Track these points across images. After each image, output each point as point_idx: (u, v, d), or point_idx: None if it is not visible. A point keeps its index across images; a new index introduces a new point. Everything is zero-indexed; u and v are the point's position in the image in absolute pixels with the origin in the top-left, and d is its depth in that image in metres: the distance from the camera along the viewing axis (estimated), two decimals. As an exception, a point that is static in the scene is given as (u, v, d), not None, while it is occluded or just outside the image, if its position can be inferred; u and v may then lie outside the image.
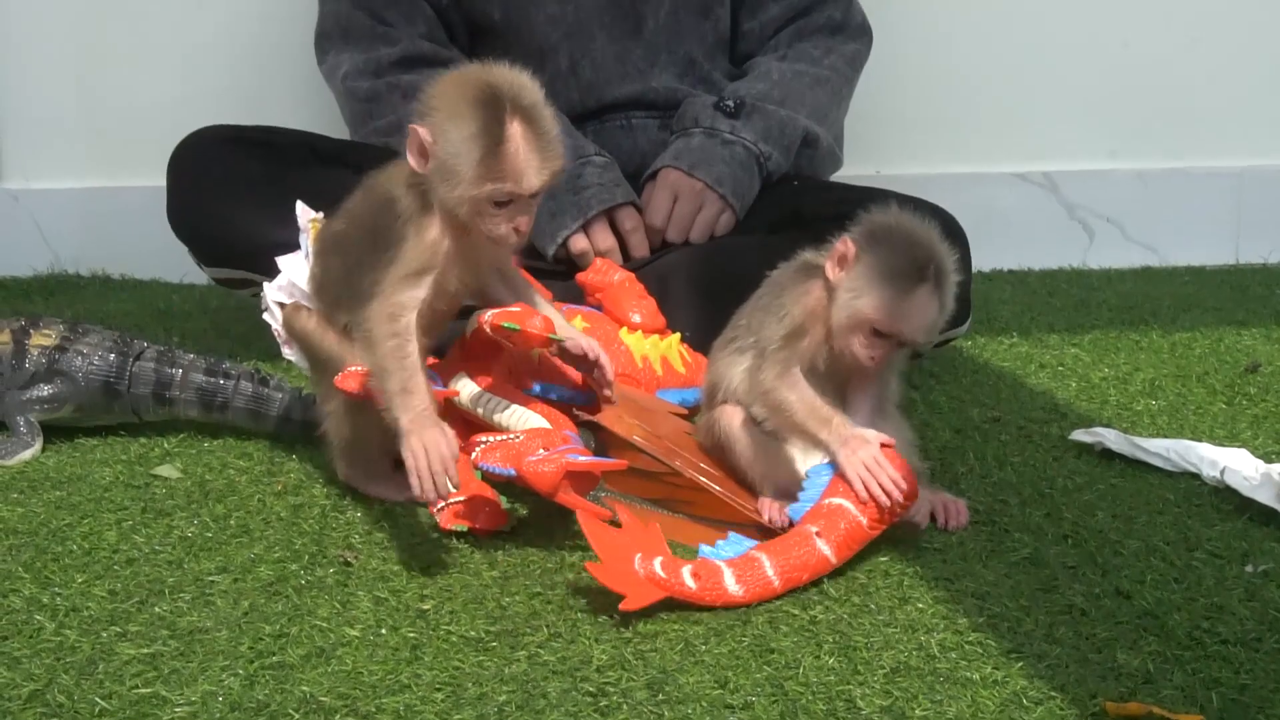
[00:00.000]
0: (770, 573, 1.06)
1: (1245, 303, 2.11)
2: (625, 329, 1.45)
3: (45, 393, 1.40)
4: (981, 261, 2.21)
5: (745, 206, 1.76)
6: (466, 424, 1.25)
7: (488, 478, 1.18)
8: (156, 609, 1.04)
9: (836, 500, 1.11)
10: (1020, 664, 0.95)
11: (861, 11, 1.94)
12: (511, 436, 1.17)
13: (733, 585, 1.05)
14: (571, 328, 1.29)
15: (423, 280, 1.17)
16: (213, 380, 1.42)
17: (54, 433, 1.42)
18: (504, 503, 1.19)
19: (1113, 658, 0.96)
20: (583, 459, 1.13)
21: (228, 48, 2.26)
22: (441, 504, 1.19)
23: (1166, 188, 2.45)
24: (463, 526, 1.17)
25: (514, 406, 1.23)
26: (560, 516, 1.21)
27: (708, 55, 1.89)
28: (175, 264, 2.12)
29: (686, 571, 1.05)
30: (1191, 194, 2.46)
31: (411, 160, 1.20)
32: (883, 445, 1.13)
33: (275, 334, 1.34)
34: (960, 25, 2.39)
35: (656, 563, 1.05)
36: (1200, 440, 1.38)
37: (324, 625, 1.01)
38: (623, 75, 1.85)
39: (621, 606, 1.02)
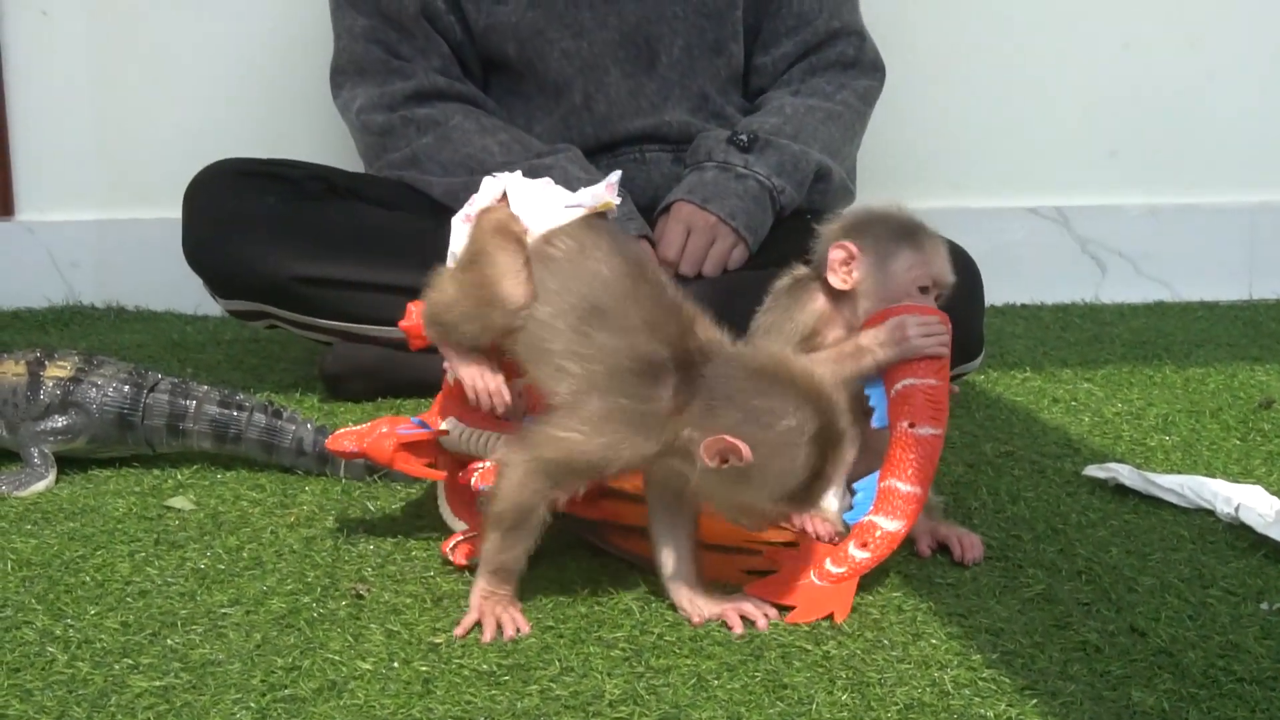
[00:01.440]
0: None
1: (1259, 339, 2.11)
2: None
3: (59, 424, 1.40)
4: (994, 296, 2.22)
5: (758, 240, 1.76)
6: (458, 463, 1.26)
7: None
8: (169, 641, 1.04)
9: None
10: (1034, 701, 0.95)
11: (874, 48, 1.95)
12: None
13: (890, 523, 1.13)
14: None
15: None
16: (226, 412, 1.43)
17: (68, 464, 1.43)
18: None
19: (1128, 695, 0.96)
20: None
21: (243, 81, 2.28)
22: (452, 542, 1.19)
23: (1179, 223, 2.45)
24: (477, 560, 1.17)
25: (502, 436, 1.24)
26: (571, 550, 1.21)
27: (721, 90, 1.90)
28: (189, 296, 2.14)
29: (854, 547, 1.11)
30: (1204, 229, 2.46)
31: (712, 457, 1.01)
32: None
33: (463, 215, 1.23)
34: (973, 61, 2.39)
35: (828, 564, 1.10)
36: (1214, 476, 1.38)
37: (336, 658, 1.01)
38: (636, 110, 1.86)
39: (792, 618, 1.07)
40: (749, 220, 1.74)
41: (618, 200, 1.15)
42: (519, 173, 1.22)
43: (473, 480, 1.21)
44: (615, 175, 1.17)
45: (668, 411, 1.02)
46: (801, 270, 1.26)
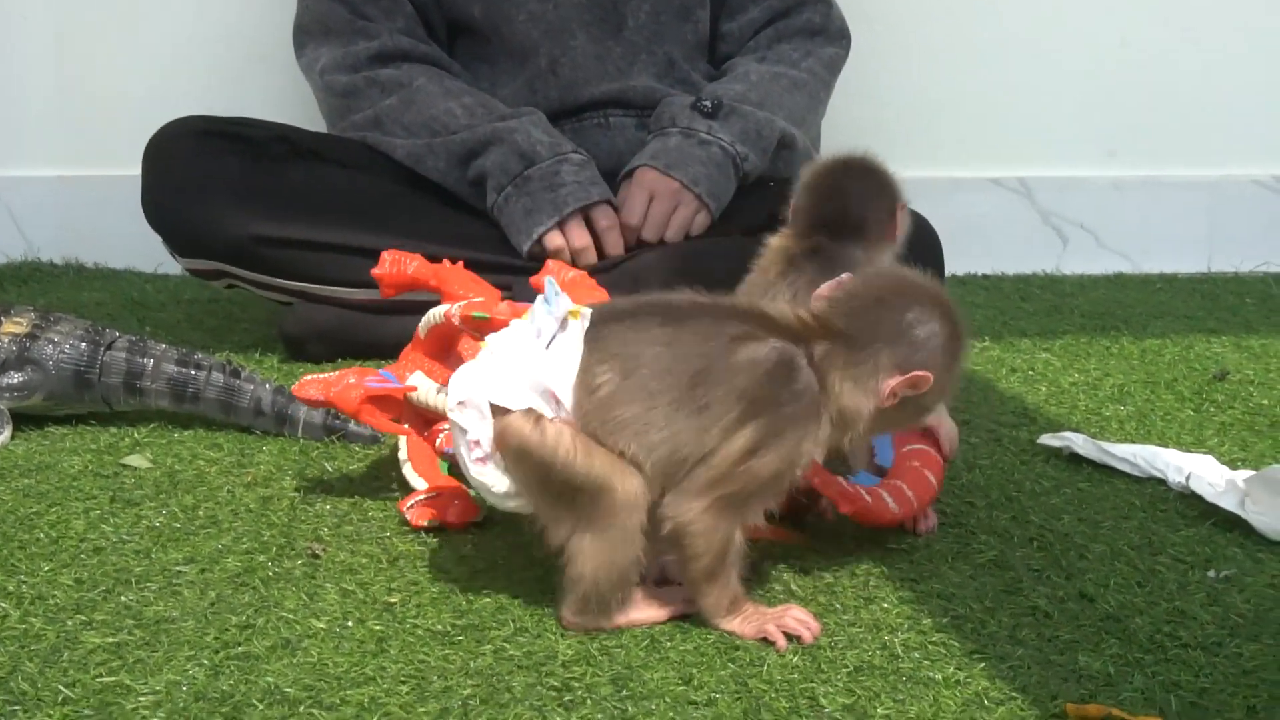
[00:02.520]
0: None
1: (1216, 311, 2.12)
2: None
3: (15, 380, 1.39)
4: (955, 266, 2.24)
5: (721, 207, 1.77)
6: (423, 419, 1.26)
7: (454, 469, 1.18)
8: (123, 598, 1.04)
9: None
10: (983, 665, 0.96)
11: (841, 16, 1.95)
12: None
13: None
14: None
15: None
16: (184, 371, 1.42)
17: (24, 421, 1.42)
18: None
19: (1074, 660, 0.97)
20: None
21: (206, 39, 2.26)
22: (411, 500, 1.19)
23: (1141, 196, 2.47)
24: (435, 521, 1.17)
25: None
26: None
27: (687, 56, 1.90)
28: (149, 254, 2.12)
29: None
30: (1165, 203, 2.47)
31: (889, 395, 0.99)
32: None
33: (466, 447, 1.00)
34: (938, 31, 2.40)
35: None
36: (1167, 446, 1.39)
37: (290, 617, 1.01)
38: (602, 75, 1.85)
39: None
40: (712, 187, 1.74)
41: (586, 310, 1.00)
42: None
43: (437, 441, 1.21)
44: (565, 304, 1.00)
45: (816, 393, 0.98)
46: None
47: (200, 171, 1.72)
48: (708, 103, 1.78)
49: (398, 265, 1.37)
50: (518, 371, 0.97)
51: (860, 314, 1.01)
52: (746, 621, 1.00)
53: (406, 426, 1.27)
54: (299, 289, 1.71)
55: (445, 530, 1.17)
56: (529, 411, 0.96)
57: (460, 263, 1.37)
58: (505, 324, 1.21)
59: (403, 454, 1.27)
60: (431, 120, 1.77)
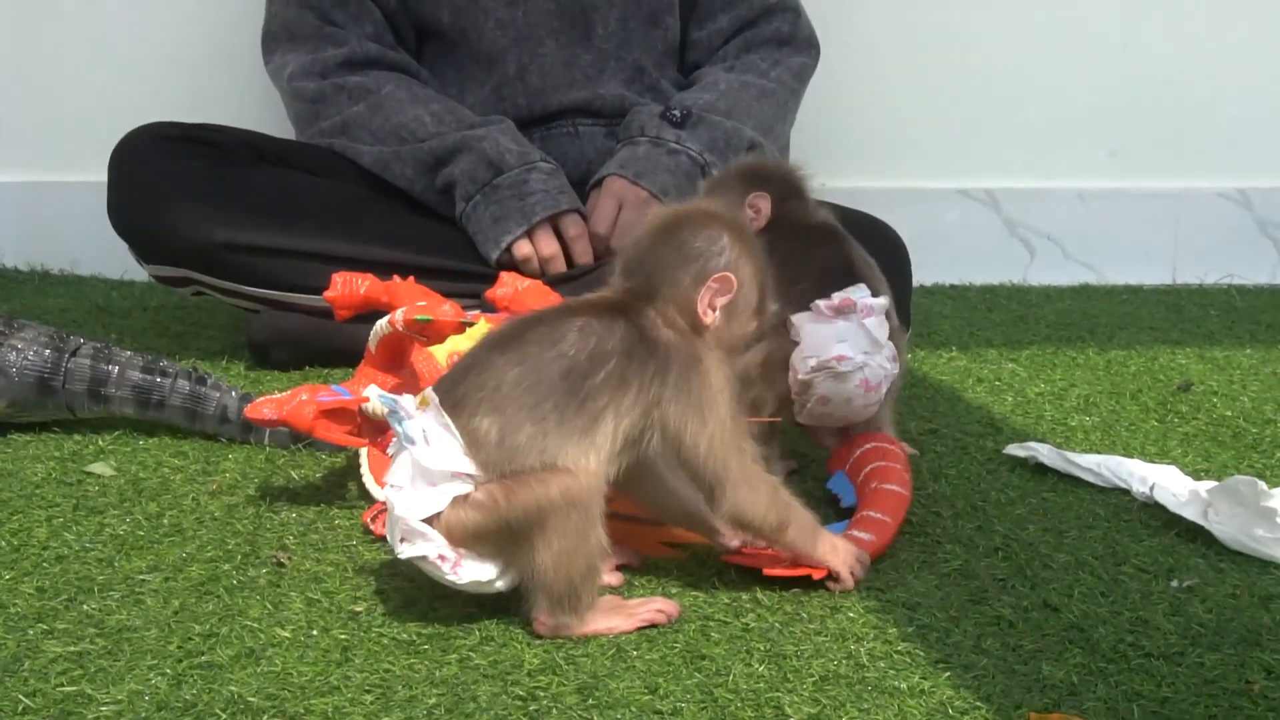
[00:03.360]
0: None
1: (1180, 323, 2.14)
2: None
3: (-23, 387, 1.38)
4: (922, 276, 2.24)
5: None
6: (379, 430, 1.26)
7: None
8: (85, 607, 1.03)
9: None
10: (948, 674, 0.96)
11: (809, 25, 1.96)
12: None
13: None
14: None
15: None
16: (149, 378, 1.41)
17: (-14, 428, 1.41)
18: None
19: (1038, 669, 0.97)
20: None
21: (173, 44, 2.25)
22: (373, 512, 1.19)
23: (1106, 208, 2.48)
24: None
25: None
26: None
27: (656, 64, 1.90)
28: (115, 261, 2.11)
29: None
30: (1131, 215, 2.49)
31: (707, 310, 1.05)
32: None
33: (441, 568, 1.00)
34: (905, 42, 2.41)
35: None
36: (1132, 457, 1.40)
37: (255, 626, 1.00)
38: (570, 82, 1.85)
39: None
40: (680, 196, 1.75)
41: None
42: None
43: (389, 449, 1.20)
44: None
45: (677, 338, 1.04)
46: None
47: (166, 177, 1.71)
48: (676, 111, 1.78)
49: (349, 286, 1.36)
50: (420, 482, 0.99)
51: (647, 259, 1.07)
52: (844, 554, 1.09)
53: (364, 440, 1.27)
54: (266, 296, 1.70)
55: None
56: (454, 501, 0.99)
57: (411, 278, 1.37)
58: (449, 325, 1.22)
59: (364, 466, 1.27)
60: (399, 127, 1.77)
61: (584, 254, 1.73)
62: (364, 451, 1.27)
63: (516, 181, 1.71)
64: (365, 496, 1.24)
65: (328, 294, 1.37)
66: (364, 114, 1.78)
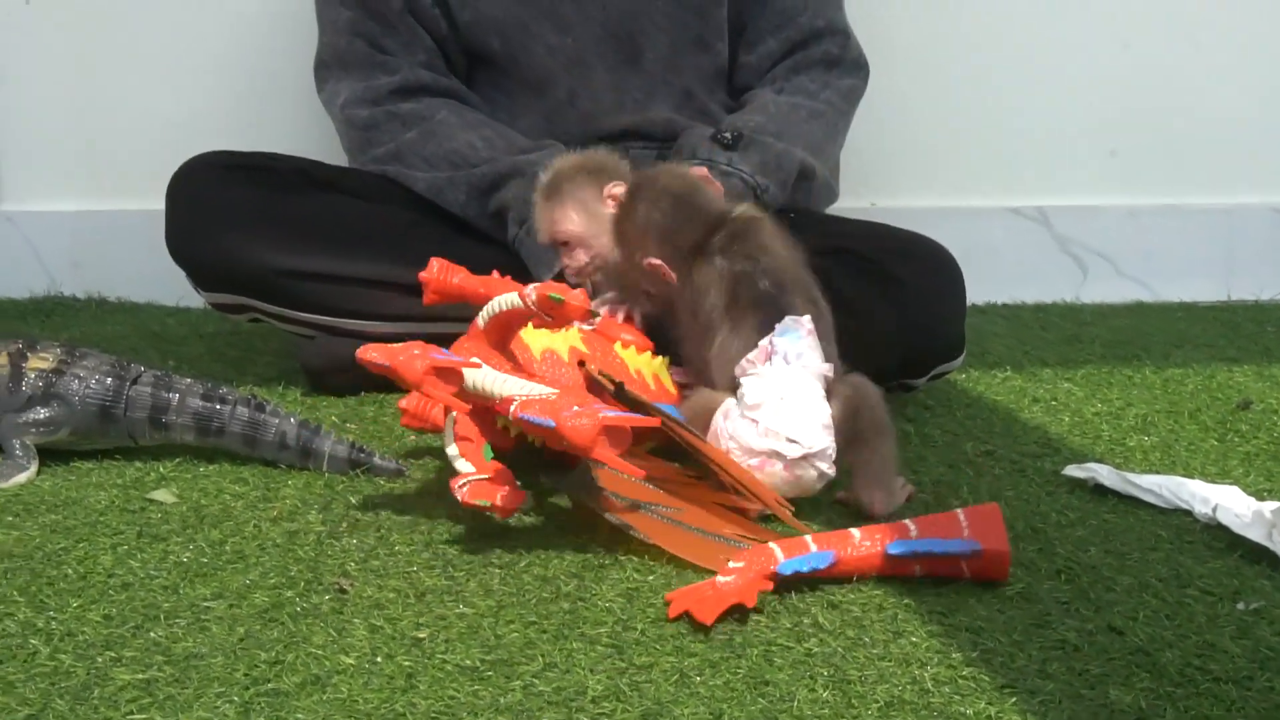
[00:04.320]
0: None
1: (1236, 340, 2.12)
2: (619, 344, 1.45)
3: (41, 416, 1.40)
4: (974, 295, 2.22)
5: None
6: (476, 410, 1.28)
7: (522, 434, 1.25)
8: (152, 634, 1.04)
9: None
10: (1014, 699, 0.96)
11: (858, 46, 1.96)
12: (547, 393, 1.19)
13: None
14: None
15: None
16: (209, 405, 1.42)
17: (49, 456, 1.42)
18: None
19: (1105, 694, 0.97)
20: (617, 414, 1.15)
21: (226, 72, 2.28)
22: (462, 481, 1.20)
23: (1159, 224, 2.47)
24: (485, 502, 1.19)
25: (511, 379, 1.26)
26: (555, 545, 1.22)
27: (705, 87, 1.91)
28: (170, 287, 2.13)
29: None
30: (1183, 230, 2.47)
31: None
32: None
33: (823, 466, 1.24)
34: (955, 61, 2.40)
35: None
36: (1192, 477, 1.39)
37: (319, 653, 1.01)
38: (620, 106, 1.86)
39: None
40: None
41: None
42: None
43: (512, 408, 1.19)
44: None
45: None
46: None
47: (222, 206, 1.73)
48: (727, 134, 1.78)
49: (445, 272, 1.38)
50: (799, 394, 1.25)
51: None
52: None
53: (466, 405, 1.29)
54: (321, 322, 1.72)
55: (463, 562, 1.17)
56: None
57: (508, 276, 1.39)
58: (578, 310, 1.22)
59: (449, 437, 1.28)
60: (452, 153, 1.78)
61: None
62: (451, 423, 1.28)
63: None
64: (450, 471, 1.25)
65: (422, 274, 1.39)
66: (416, 140, 1.80)
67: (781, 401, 1.25)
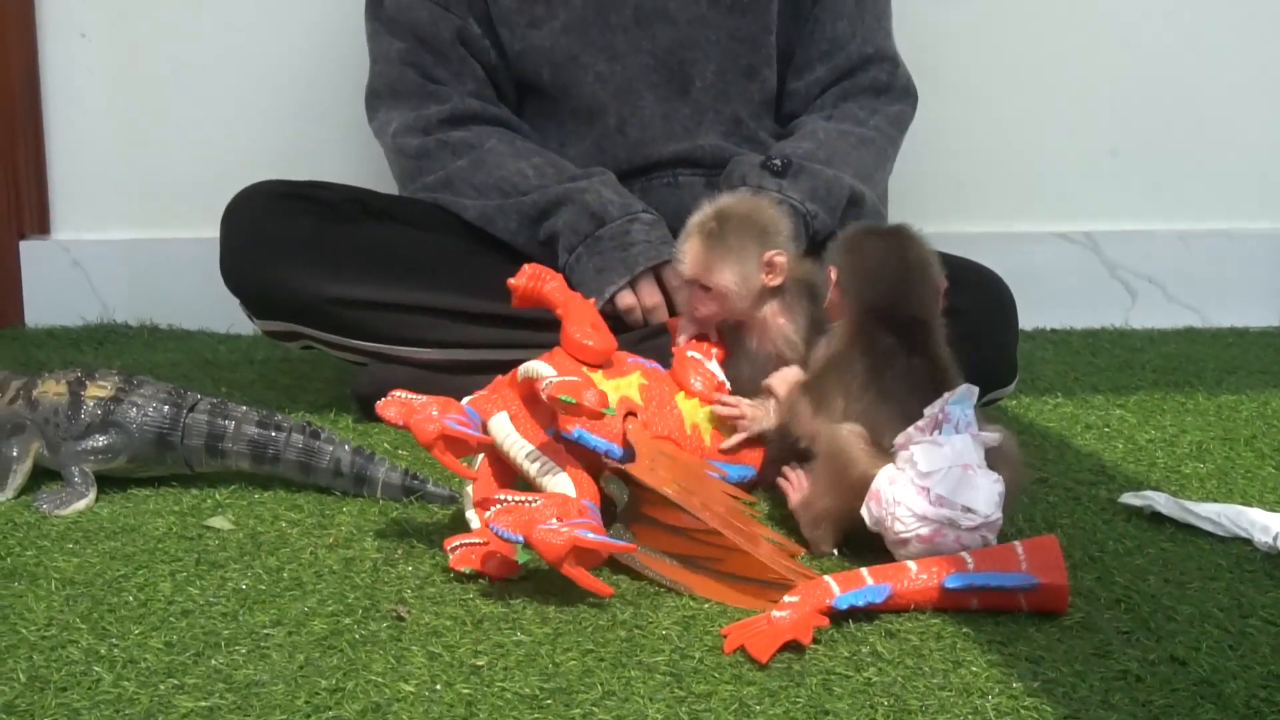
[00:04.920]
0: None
1: (1290, 366, 2.10)
2: (683, 393, 1.44)
3: (100, 443, 1.41)
4: (1024, 321, 2.20)
5: None
6: (497, 462, 1.29)
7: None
8: (213, 661, 1.04)
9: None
10: (1077, 730, 0.95)
11: (907, 73, 1.96)
12: (529, 500, 1.19)
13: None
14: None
15: None
16: (265, 433, 1.43)
17: (107, 483, 1.44)
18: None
19: (1170, 725, 0.96)
20: (592, 536, 1.15)
21: (278, 103, 2.30)
22: (456, 542, 1.20)
23: (1208, 249, 2.45)
24: (470, 569, 1.20)
25: (544, 461, 1.26)
26: (612, 572, 1.22)
27: (754, 115, 1.91)
28: (222, 315, 2.15)
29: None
30: (1233, 255, 2.46)
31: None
32: None
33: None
34: (1003, 86, 2.40)
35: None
36: (1250, 505, 1.38)
37: (379, 680, 1.01)
38: (669, 134, 1.87)
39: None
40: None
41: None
42: None
43: (487, 514, 1.19)
44: None
45: None
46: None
47: (276, 234, 1.74)
48: (777, 161, 1.78)
49: (535, 280, 1.37)
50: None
51: None
52: None
53: (476, 472, 1.30)
54: (373, 349, 1.73)
55: (519, 589, 1.17)
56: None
57: (593, 300, 1.39)
58: (590, 411, 1.21)
59: (467, 499, 1.29)
60: (502, 181, 1.79)
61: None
62: (469, 486, 1.28)
63: (619, 232, 1.73)
64: (464, 525, 1.26)
65: (512, 280, 1.38)
66: (467, 169, 1.81)
67: (957, 472, 1.22)
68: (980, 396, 1.62)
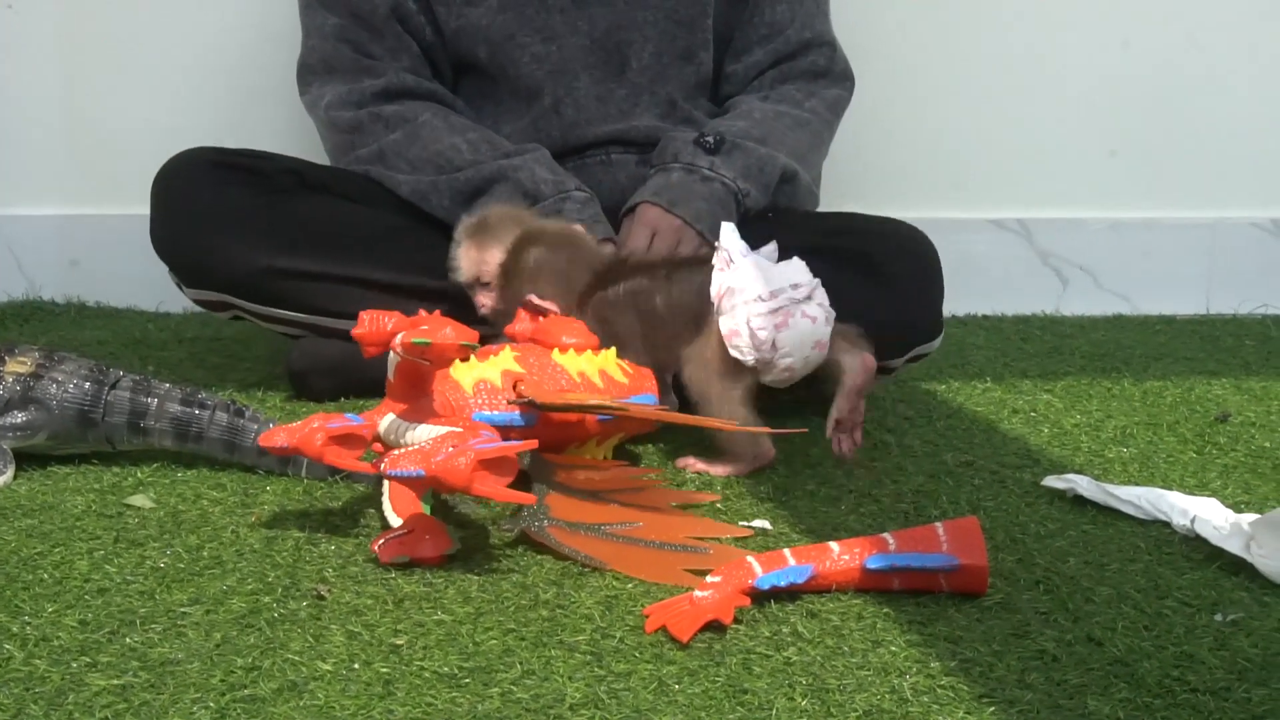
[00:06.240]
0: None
1: (1216, 353, 2.13)
2: (557, 351, 1.44)
3: (19, 420, 1.39)
4: (956, 306, 2.25)
5: None
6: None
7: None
8: (128, 640, 1.03)
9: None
10: (992, 709, 0.96)
11: (845, 59, 1.96)
12: (420, 443, 1.19)
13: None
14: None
15: None
16: (188, 410, 1.42)
17: (26, 460, 1.42)
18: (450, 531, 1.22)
19: (1084, 704, 0.97)
20: (492, 445, 1.14)
21: (210, 77, 2.27)
22: (381, 540, 1.19)
23: (1139, 238, 2.48)
24: (403, 558, 1.18)
25: (421, 425, 1.26)
26: (533, 554, 1.22)
27: (689, 96, 1.91)
28: (151, 293, 2.13)
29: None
30: (1164, 244, 2.48)
31: None
32: None
33: (820, 319, 1.43)
34: (939, 73, 2.41)
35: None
36: (1171, 489, 1.39)
37: (296, 659, 1.00)
38: (604, 115, 1.86)
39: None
40: (714, 223, 1.74)
41: None
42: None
43: (382, 465, 1.19)
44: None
45: None
46: None
47: (209, 203, 1.72)
48: (710, 138, 1.78)
49: (376, 323, 1.35)
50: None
51: None
52: None
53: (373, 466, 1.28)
54: (307, 321, 1.71)
55: (447, 571, 1.17)
56: None
57: (438, 311, 1.37)
58: (450, 348, 1.22)
59: (385, 494, 1.28)
60: (436, 155, 1.78)
61: None
62: (386, 481, 1.27)
63: (551, 211, 1.72)
64: (384, 525, 1.24)
65: (355, 331, 1.36)
66: (401, 142, 1.79)
67: (765, 270, 1.42)
68: (906, 351, 1.67)
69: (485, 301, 1.61)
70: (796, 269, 1.44)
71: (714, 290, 1.44)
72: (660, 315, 1.51)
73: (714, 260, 1.45)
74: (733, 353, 1.42)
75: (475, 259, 1.60)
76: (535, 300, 1.51)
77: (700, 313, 1.47)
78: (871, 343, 1.46)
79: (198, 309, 1.83)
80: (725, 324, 1.42)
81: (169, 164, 1.77)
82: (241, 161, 1.77)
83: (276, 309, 1.72)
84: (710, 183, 1.75)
